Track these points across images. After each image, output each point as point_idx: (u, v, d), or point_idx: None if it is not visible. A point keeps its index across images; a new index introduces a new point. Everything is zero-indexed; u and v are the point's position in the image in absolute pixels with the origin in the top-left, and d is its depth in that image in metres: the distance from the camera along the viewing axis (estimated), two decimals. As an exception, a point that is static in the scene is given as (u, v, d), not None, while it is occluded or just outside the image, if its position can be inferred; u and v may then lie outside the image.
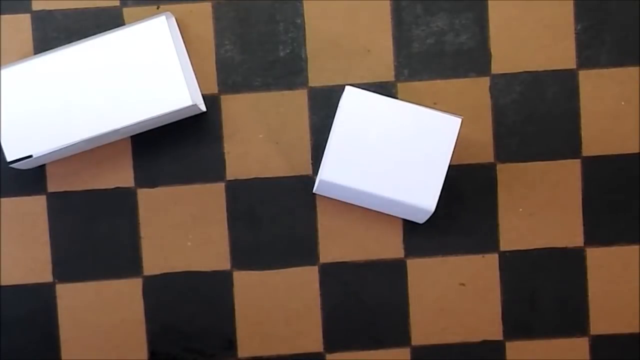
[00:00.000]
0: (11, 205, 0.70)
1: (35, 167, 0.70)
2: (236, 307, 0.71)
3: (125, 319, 0.71)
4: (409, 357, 0.71)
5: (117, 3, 0.70)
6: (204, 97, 0.70)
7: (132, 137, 0.70)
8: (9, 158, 0.66)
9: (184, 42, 0.70)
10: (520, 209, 0.70)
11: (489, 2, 0.70)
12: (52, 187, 0.70)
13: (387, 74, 0.70)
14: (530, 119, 0.70)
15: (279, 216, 0.70)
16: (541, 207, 0.70)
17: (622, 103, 0.70)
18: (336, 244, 0.70)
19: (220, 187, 0.70)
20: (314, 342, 0.71)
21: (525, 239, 0.71)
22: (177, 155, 0.70)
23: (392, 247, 0.70)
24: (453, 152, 0.69)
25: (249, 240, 0.70)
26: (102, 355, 0.70)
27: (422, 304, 0.71)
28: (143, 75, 0.66)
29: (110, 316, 0.70)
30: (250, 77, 0.70)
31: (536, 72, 0.70)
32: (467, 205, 0.70)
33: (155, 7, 0.70)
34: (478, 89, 0.70)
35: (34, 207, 0.70)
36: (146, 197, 0.70)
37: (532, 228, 0.70)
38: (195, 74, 0.70)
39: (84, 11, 0.70)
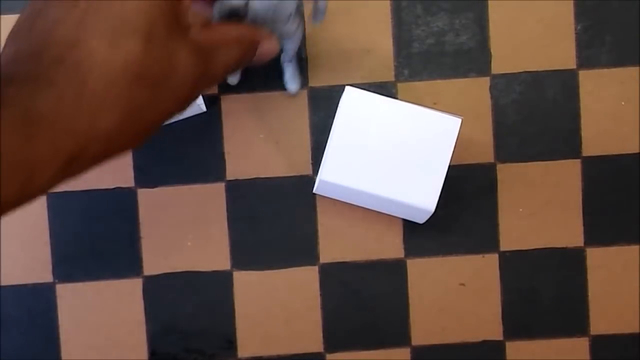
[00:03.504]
0: (11, 205, 0.70)
1: (35, 167, 0.70)
2: (236, 307, 0.71)
3: (125, 319, 0.70)
4: (409, 357, 0.71)
5: (117, 3, 0.70)
6: (204, 97, 0.70)
7: (132, 137, 0.70)
8: (9, 158, 0.66)
9: (184, 42, 0.70)
10: (520, 209, 0.70)
11: (489, 2, 0.70)
12: (52, 187, 0.70)
13: (387, 74, 0.70)
14: (530, 119, 0.70)
15: (279, 216, 0.70)
16: (541, 207, 0.70)
17: (622, 103, 0.70)
18: (336, 244, 0.70)
19: (220, 187, 0.70)
20: (314, 342, 0.71)
21: (525, 239, 0.70)
22: (177, 155, 0.70)
23: (392, 247, 0.70)
24: (453, 152, 0.69)
25: (249, 240, 0.70)
26: (102, 355, 0.70)
27: (422, 304, 0.71)
28: (143, 75, 0.65)
29: (110, 316, 0.70)
30: (250, 77, 0.70)
31: (536, 72, 0.70)
32: (467, 205, 0.70)
33: (155, 7, 0.70)
34: (478, 89, 0.70)
35: (34, 207, 0.70)
36: (146, 197, 0.70)
37: (532, 228, 0.70)
38: (195, 74, 0.70)
39: (84, 11, 0.69)
